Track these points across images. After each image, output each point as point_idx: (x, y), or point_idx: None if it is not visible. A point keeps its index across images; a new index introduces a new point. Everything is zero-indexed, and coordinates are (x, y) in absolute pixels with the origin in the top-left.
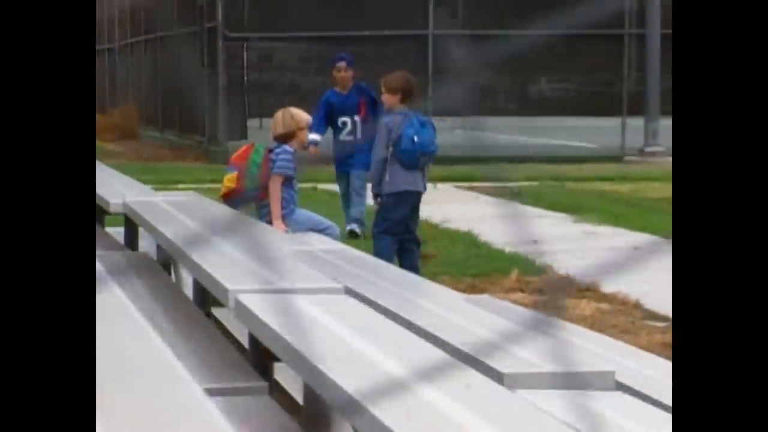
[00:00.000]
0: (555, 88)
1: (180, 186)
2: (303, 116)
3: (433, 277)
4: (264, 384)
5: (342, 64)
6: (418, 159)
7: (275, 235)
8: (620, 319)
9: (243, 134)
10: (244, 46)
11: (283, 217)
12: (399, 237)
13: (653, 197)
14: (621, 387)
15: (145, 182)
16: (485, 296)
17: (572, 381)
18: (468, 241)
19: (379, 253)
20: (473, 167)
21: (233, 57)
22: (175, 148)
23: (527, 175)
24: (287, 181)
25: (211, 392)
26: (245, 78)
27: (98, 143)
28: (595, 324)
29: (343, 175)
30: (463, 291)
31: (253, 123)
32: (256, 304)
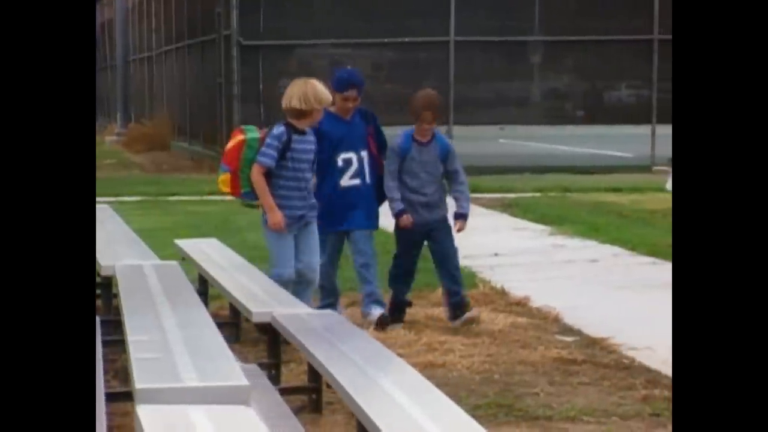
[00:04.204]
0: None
1: (171, 198)
2: (326, 95)
3: None
4: None
5: (352, 92)
6: None
7: None
8: (529, 333)
9: None
10: (259, 54)
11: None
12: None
13: (650, 209)
14: None
15: (142, 194)
16: (329, 311)
17: (206, 395)
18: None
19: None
20: (478, 178)
21: (248, 65)
22: (197, 159)
23: (535, 186)
24: (277, 172)
25: None
26: (260, 87)
27: (126, 154)
28: (498, 338)
29: (337, 236)
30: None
31: None
32: None
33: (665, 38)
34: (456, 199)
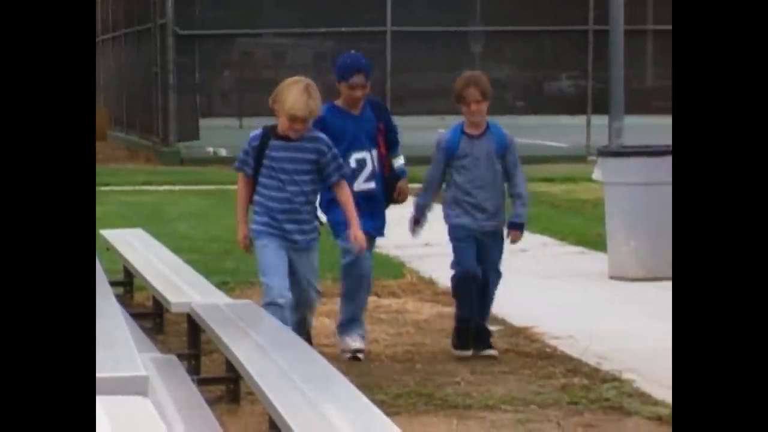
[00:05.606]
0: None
1: (104, 189)
2: (290, 102)
3: None
4: None
5: (359, 78)
6: None
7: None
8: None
9: (195, 135)
10: (195, 44)
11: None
12: None
13: (581, 199)
14: None
15: None
16: (249, 302)
17: (104, 386)
18: None
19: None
20: (415, 168)
21: (184, 55)
22: (133, 149)
23: None
24: (258, 180)
25: None
26: (197, 77)
27: None
28: (422, 328)
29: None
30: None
31: (207, 123)
32: None
33: (600, 29)
34: (512, 205)
